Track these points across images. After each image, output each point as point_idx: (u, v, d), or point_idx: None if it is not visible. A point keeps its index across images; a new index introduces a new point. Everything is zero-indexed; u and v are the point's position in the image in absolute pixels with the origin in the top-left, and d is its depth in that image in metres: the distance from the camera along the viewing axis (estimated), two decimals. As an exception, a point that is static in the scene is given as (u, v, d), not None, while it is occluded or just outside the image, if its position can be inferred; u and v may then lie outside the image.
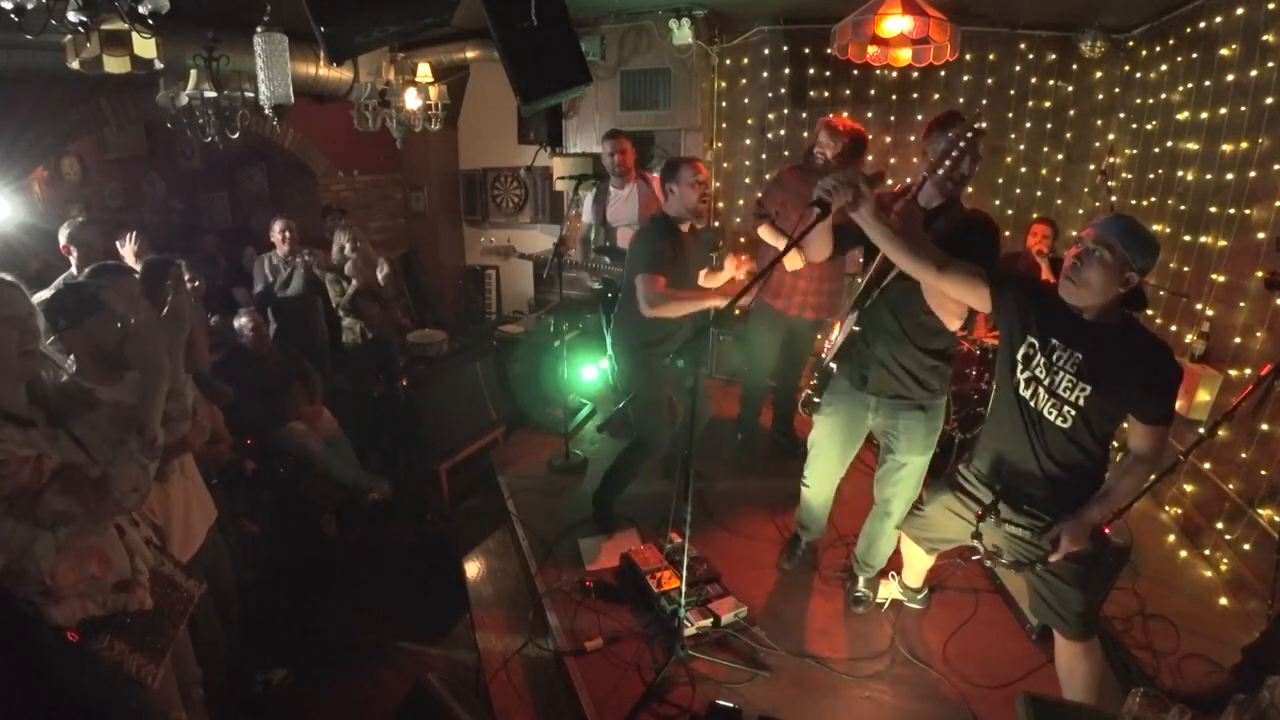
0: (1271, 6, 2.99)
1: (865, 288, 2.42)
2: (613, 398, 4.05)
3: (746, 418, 3.99)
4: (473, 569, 3.37)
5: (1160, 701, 1.41)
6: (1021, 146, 4.57)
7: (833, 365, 2.56)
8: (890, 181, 4.60)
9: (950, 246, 2.06)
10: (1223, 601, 2.86)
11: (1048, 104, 4.47)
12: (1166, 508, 3.49)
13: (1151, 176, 3.96)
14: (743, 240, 5.26)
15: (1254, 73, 3.06)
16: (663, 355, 2.93)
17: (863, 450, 2.79)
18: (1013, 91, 4.49)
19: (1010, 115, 4.54)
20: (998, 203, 4.67)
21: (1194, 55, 3.56)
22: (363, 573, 3.57)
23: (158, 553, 1.77)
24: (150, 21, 2.04)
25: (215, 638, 2.29)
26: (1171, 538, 3.30)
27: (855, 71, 4.61)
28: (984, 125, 2.14)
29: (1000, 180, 4.65)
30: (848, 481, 2.99)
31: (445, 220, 6.77)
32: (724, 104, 5.06)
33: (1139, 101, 4.17)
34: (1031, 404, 1.97)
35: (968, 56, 4.41)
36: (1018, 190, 4.62)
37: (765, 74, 4.89)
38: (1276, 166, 2.92)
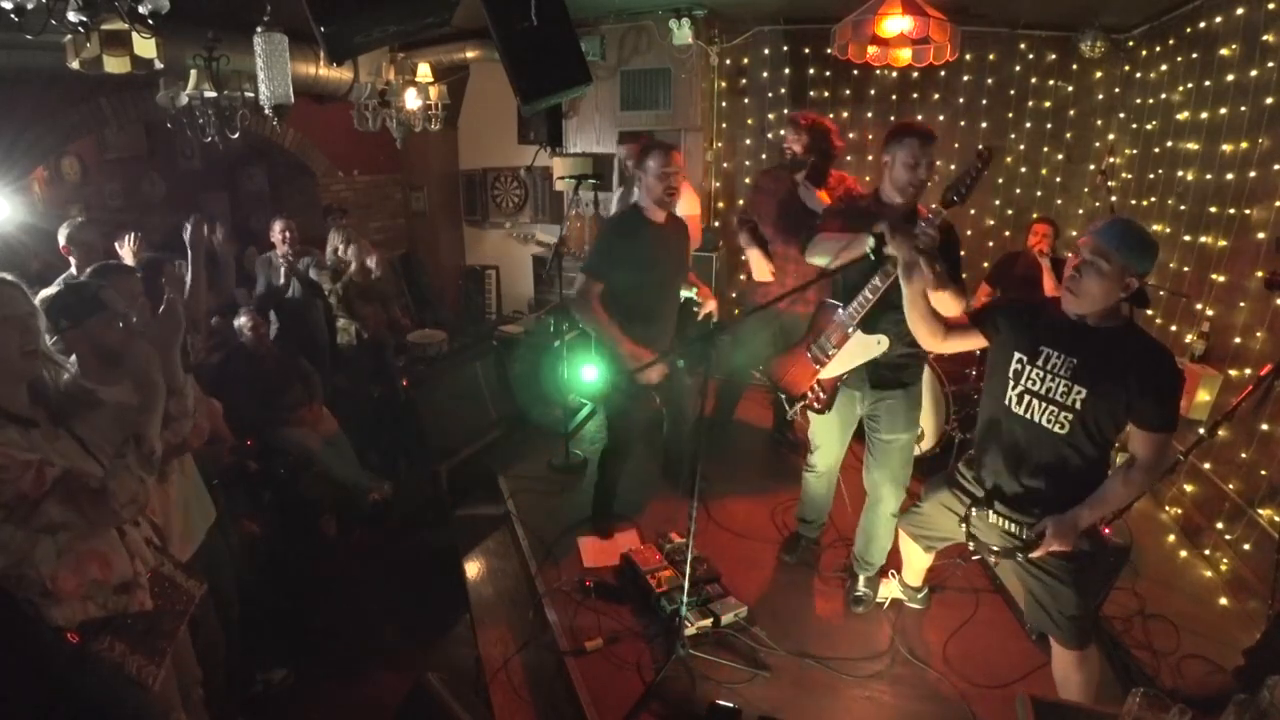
0: (1271, 6, 2.98)
1: (868, 310, 2.43)
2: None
3: (721, 413, 4.00)
4: (473, 569, 3.37)
5: (1160, 701, 1.41)
6: (1021, 146, 4.57)
7: (843, 385, 2.63)
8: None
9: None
10: (1223, 601, 2.86)
11: (1048, 104, 4.47)
12: (1166, 508, 3.49)
13: (1151, 176, 3.96)
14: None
15: (1254, 73, 3.06)
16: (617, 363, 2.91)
17: (861, 450, 2.81)
18: (1013, 91, 4.49)
19: (1010, 115, 4.54)
20: (998, 202, 4.67)
21: (1194, 55, 3.56)
22: (363, 572, 3.57)
23: (158, 553, 1.77)
24: (150, 21, 2.04)
25: (215, 638, 2.28)
26: (1171, 538, 3.30)
27: (855, 71, 4.61)
28: (989, 151, 2.24)
29: (1000, 180, 4.65)
30: (847, 481, 3.00)
31: (445, 220, 6.77)
32: (724, 104, 5.06)
33: (1139, 101, 4.17)
34: (1026, 416, 1.96)
35: (968, 56, 4.41)
36: (1018, 190, 4.62)
37: (765, 74, 4.89)
38: (1276, 166, 2.92)
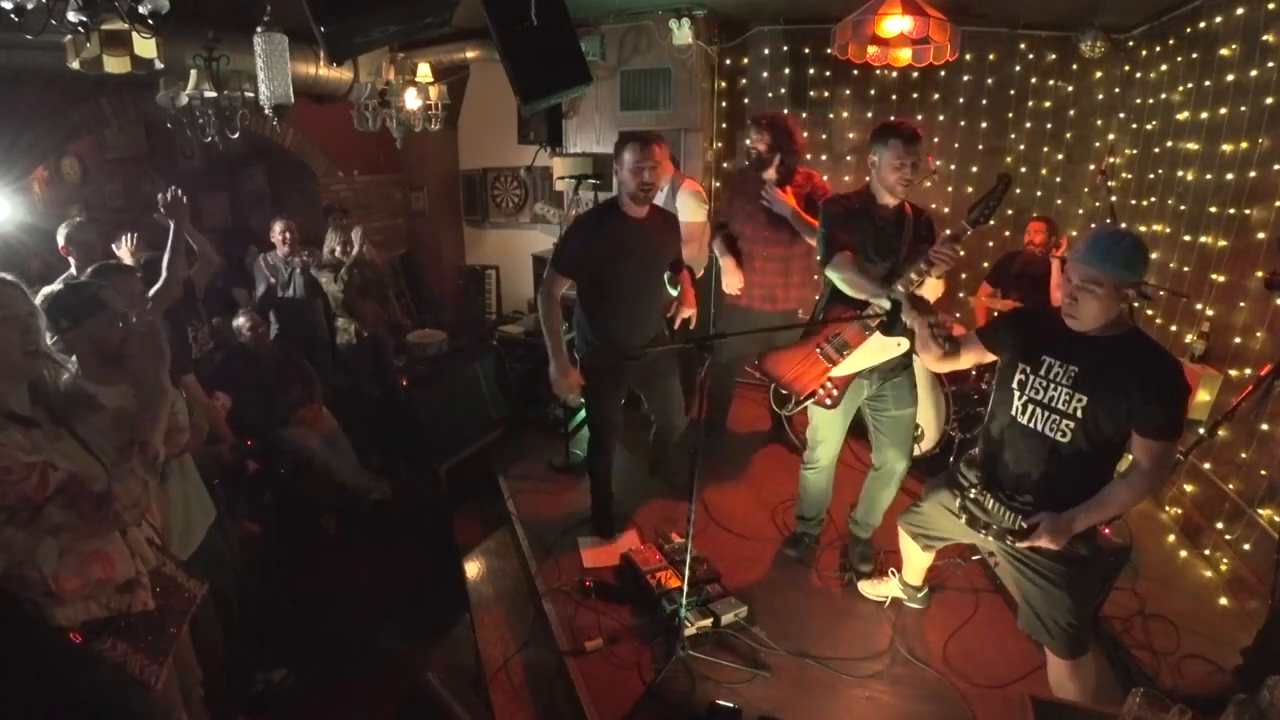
0: (1271, 6, 2.98)
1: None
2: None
3: (715, 413, 3.99)
4: (473, 569, 3.37)
5: (1160, 701, 1.41)
6: (1021, 146, 4.56)
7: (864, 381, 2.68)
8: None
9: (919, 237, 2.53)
10: (1223, 601, 2.86)
11: (1048, 104, 4.46)
12: (1166, 508, 3.49)
13: (1151, 176, 3.96)
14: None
15: (1254, 73, 3.06)
16: (610, 354, 2.92)
17: (859, 449, 2.83)
18: (1013, 91, 4.49)
19: (1010, 115, 4.53)
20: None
21: (1194, 55, 3.55)
22: (363, 572, 3.57)
23: (159, 553, 1.77)
24: (150, 21, 2.03)
25: (215, 637, 2.29)
26: (1171, 538, 3.30)
27: (855, 71, 4.60)
28: (1008, 176, 2.31)
29: (1000, 180, 4.65)
30: (847, 483, 3.00)
31: (445, 220, 6.77)
32: (724, 104, 5.05)
33: (1139, 101, 4.17)
34: (1030, 424, 1.96)
35: (968, 56, 4.40)
36: (1018, 190, 4.61)
37: (765, 74, 4.89)
38: (1276, 166, 2.92)
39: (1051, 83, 4.42)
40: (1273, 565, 2.54)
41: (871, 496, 2.90)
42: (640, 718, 2.30)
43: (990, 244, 4.67)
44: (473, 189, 6.68)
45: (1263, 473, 2.87)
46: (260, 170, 6.48)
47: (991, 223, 4.62)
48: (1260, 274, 2.90)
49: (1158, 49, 3.96)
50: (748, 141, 3.43)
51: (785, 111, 4.55)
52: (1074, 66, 4.35)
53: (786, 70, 4.83)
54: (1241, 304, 3.08)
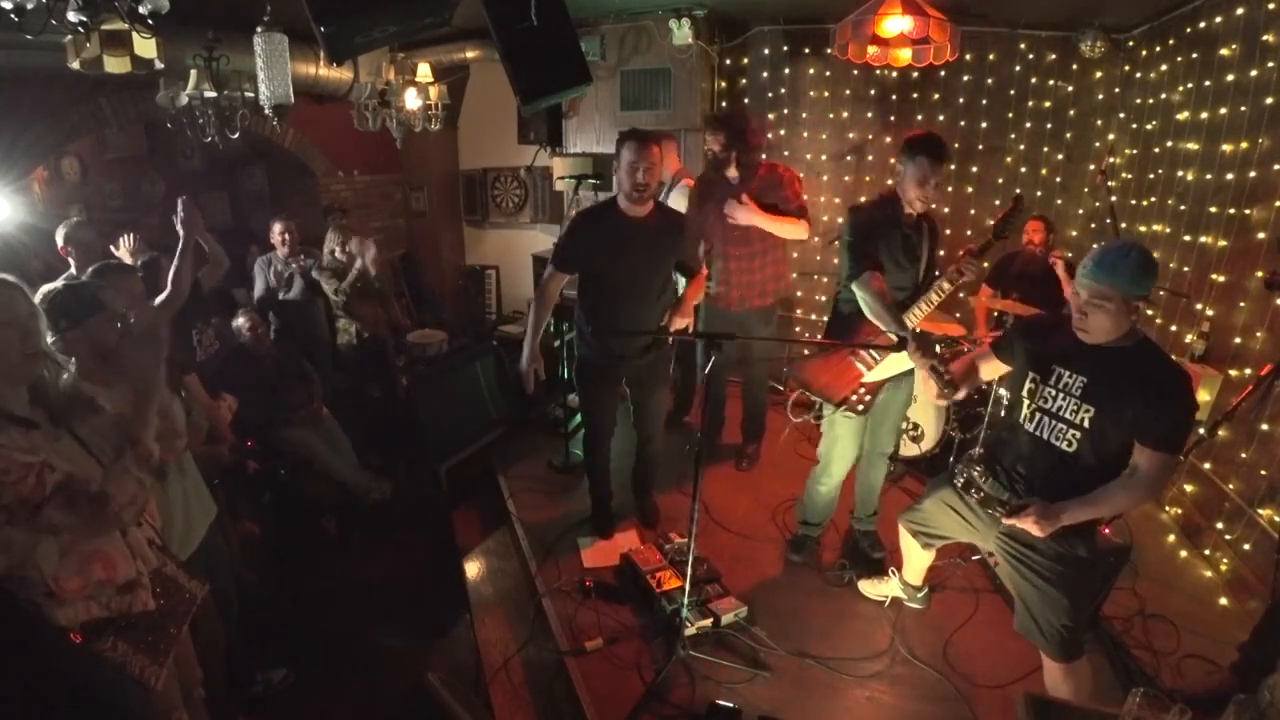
0: (1271, 6, 2.98)
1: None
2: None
3: (675, 415, 4.00)
4: (473, 569, 3.37)
5: (1160, 701, 1.41)
6: (1021, 146, 4.56)
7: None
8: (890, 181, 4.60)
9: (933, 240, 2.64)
10: (1223, 601, 2.86)
11: (1048, 104, 4.46)
12: (1166, 508, 3.49)
13: (1151, 176, 3.96)
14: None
15: (1254, 73, 3.06)
16: (600, 348, 2.93)
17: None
18: (1013, 91, 4.49)
19: (1010, 115, 4.53)
20: (998, 202, 4.67)
21: (1194, 55, 3.55)
22: (363, 572, 3.57)
23: (160, 553, 1.77)
24: (150, 21, 2.03)
25: (215, 637, 2.29)
26: (1171, 538, 3.30)
27: (855, 71, 4.61)
28: (1021, 197, 2.41)
29: (1000, 180, 4.65)
30: (846, 483, 2.99)
31: (445, 220, 6.77)
32: (724, 104, 5.06)
33: (1139, 101, 4.17)
34: (1036, 433, 1.98)
35: (968, 56, 4.40)
36: (1018, 190, 4.61)
37: (765, 74, 4.89)
38: (1276, 166, 2.92)
39: (1051, 83, 4.42)
40: (1273, 565, 2.54)
41: (864, 483, 2.98)
42: (640, 718, 2.30)
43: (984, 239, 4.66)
44: (473, 189, 6.68)
45: (1263, 473, 2.87)
46: (260, 170, 6.47)
47: (972, 211, 4.69)
48: (1260, 274, 2.90)
49: (1158, 49, 3.96)
50: (704, 144, 3.43)
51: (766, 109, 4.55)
52: (1074, 66, 4.35)
53: (786, 70, 4.83)
54: (1241, 304, 3.08)
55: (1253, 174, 3.03)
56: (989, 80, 4.51)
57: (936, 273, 2.73)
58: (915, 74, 4.47)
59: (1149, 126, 4.01)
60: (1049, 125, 4.49)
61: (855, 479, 3.02)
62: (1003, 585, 2.88)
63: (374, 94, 4.71)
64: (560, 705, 2.50)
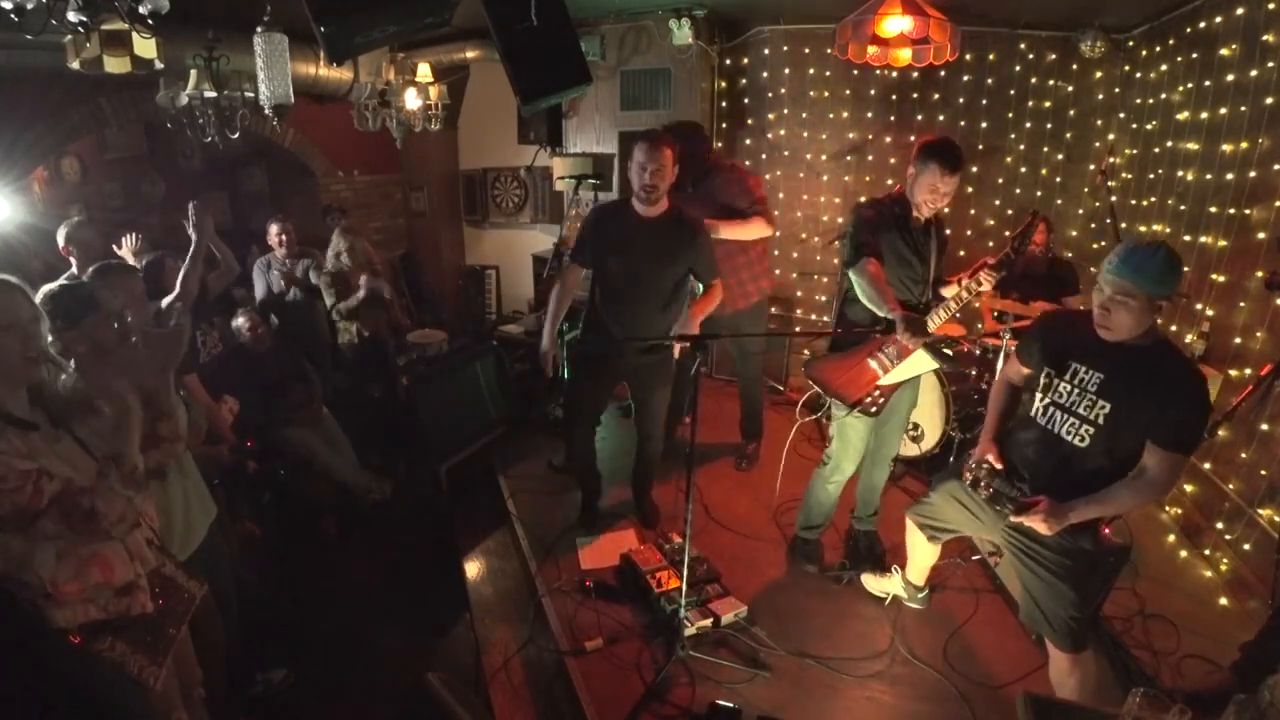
0: (1271, 6, 2.98)
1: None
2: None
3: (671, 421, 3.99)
4: (473, 569, 3.37)
5: (1160, 701, 1.41)
6: (1021, 146, 4.56)
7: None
8: (892, 181, 4.60)
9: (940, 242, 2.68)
10: (1223, 601, 2.86)
11: (1048, 104, 4.46)
12: (1166, 508, 3.49)
13: (1151, 176, 3.96)
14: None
15: (1254, 73, 3.06)
16: (596, 344, 2.96)
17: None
18: (1013, 91, 4.49)
19: (1010, 115, 4.53)
20: (998, 202, 4.67)
21: (1194, 55, 3.55)
22: (363, 572, 3.57)
23: (158, 553, 1.77)
24: (150, 21, 2.03)
25: (215, 637, 2.28)
26: (1171, 538, 3.30)
27: (855, 71, 4.61)
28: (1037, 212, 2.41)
29: (1000, 180, 4.65)
30: (847, 483, 3.00)
31: (445, 220, 6.77)
32: (724, 104, 5.06)
33: (1139, 101, 4.17)
34: (1049, 427, 1.98)
35: (968, 56, 4.40)
36: (1018, 190, 4.62)
37: (765, 74, 4.89)
38: (1276, 166, 2.92)
39: (1051, 83, 4.42)
40: (1273, 565, 2.54)
41: (866, 483, 2.98)
42: (640, 718, 2.30)
43: (990, 244, 4.67)
44: (473, 189, 6.68)
45: (1263, 473, 2.87)
46: (260, 170, 6.47)
47: (972, 211, 4.70)
48: (1260, 274, 2.90)
49: (1158, 49, 3.96)
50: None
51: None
52: (1074, 66, 4.35)
53: (786, 70, 4.83)
54: (1241, 304, 3.08)
55: (1253, 174, 3.03)
56: (989, 80, 4.51)
57: (944, 277, 2.73)
58: (915, 74, 4.47)
59: (1149, 126, 4.01)
60: (1049, 125, 4.49)
61: (857, 479, 3.02)
62: (1003, 585, 2.89)
63: (374, 94, 4.71)
64: (560, 705, 2.50)
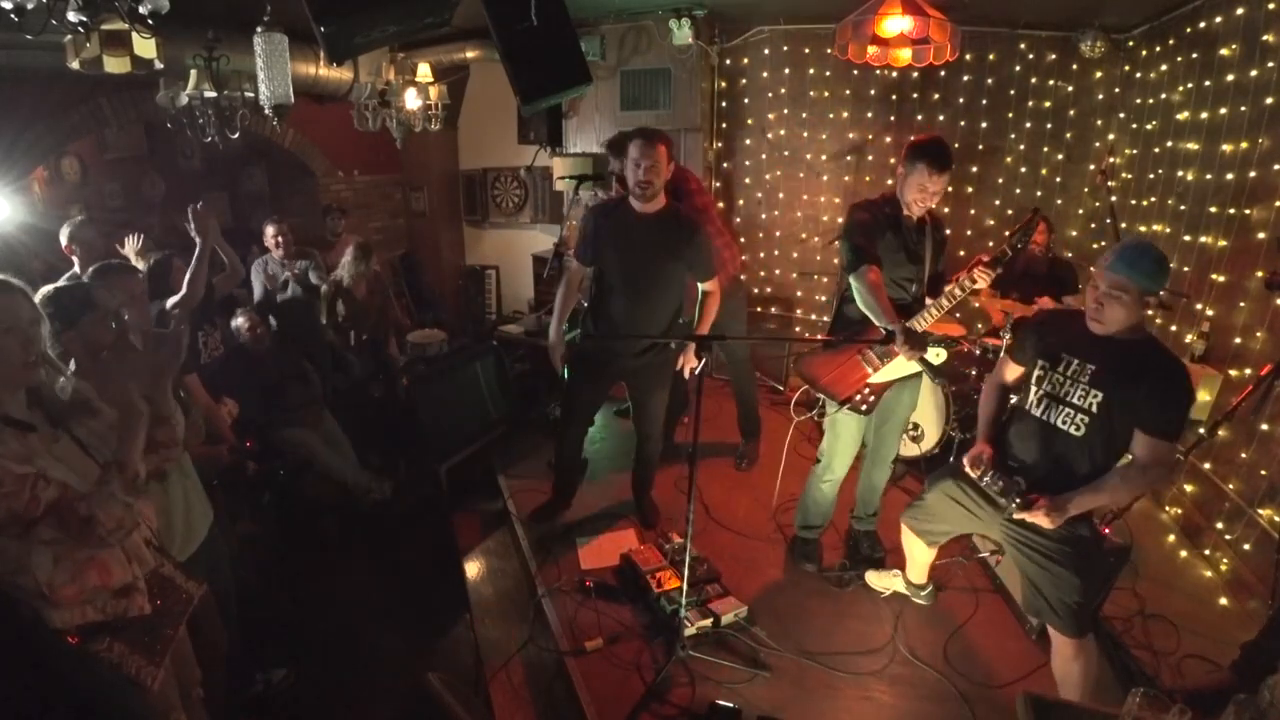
0: (1271, 6, 2.98)
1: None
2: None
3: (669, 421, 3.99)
4: (473, 569, 3.37)
5: (1160, 701, 1.41)
6: (1021, 146, 4.56)
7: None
8: (891, 181, 4.60)
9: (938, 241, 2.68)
10: (1223, 601, 2.86)
11: (1048, 104, 4.46)
12: (1166, 508, 3.49)
13: (1151, 176, 3.96)
14: (742, 240, 5.26)
15: (1254, 73, 3.06)
16: (594, 340, 2.99)
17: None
18: (1013, 91, 4.49)
19: (1010, 115, 4.53)
20: (998, 202, 4.67)
21: (1194, 55, 3.55)
22: (362, 573, 3.57)
23: (157, 553, 1.77)
24: (150, 21, 2.03)
25: (215, 637, 2.28)
26: (1171, 538, 3.30)
27: (855, 71, 4.61)
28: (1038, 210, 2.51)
29: (1000, 180, 4.65)
30: (845, 485, 2.99)
31: (445, 220, 6.77)
32: (724, 104, 5.06)
33: (1139, 101, 4.17)
34: (1044, 418, 2.05)
35: (968, 56, 4.40)
36: (1018, 190, 4.62)
37: (765, 74, 4.89)
38: (1276, 166, 2.92)
39: (1051, 83, 4.42)
40: (1273, 565, 2.54)
41: (867, 484, 2.98)
42: (640, 718, 2.30)
43: (990, 244, 4.67)
44: (473, 189, 6.68)
45: (1263, 473, 2.87)
46: (260, 170, 6.47)
47: (972, 211, 4.70)
48: (1260, 274, 2.90)
49: (1158, 49, 3.96)
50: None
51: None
52: (1074, 66, 4.35)
53: (786, 70, 4.83)
54: (1241, 304, 3.08)
55: (1253, 174, 3.03)
56: (989, 80, 4.51)
57: (943, 271, 2.74)
58: (915, 74, 4.47)
59: (1149, 126, 4.01)
60: (1049, 125, 4.49)
61: (858, 479, 3.02)
62: (1003, 585, 2.89)
63: (374, 94, 4.71)
64: (560, 705, 2.50)
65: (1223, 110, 3.27)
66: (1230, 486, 3.04)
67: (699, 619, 2.62)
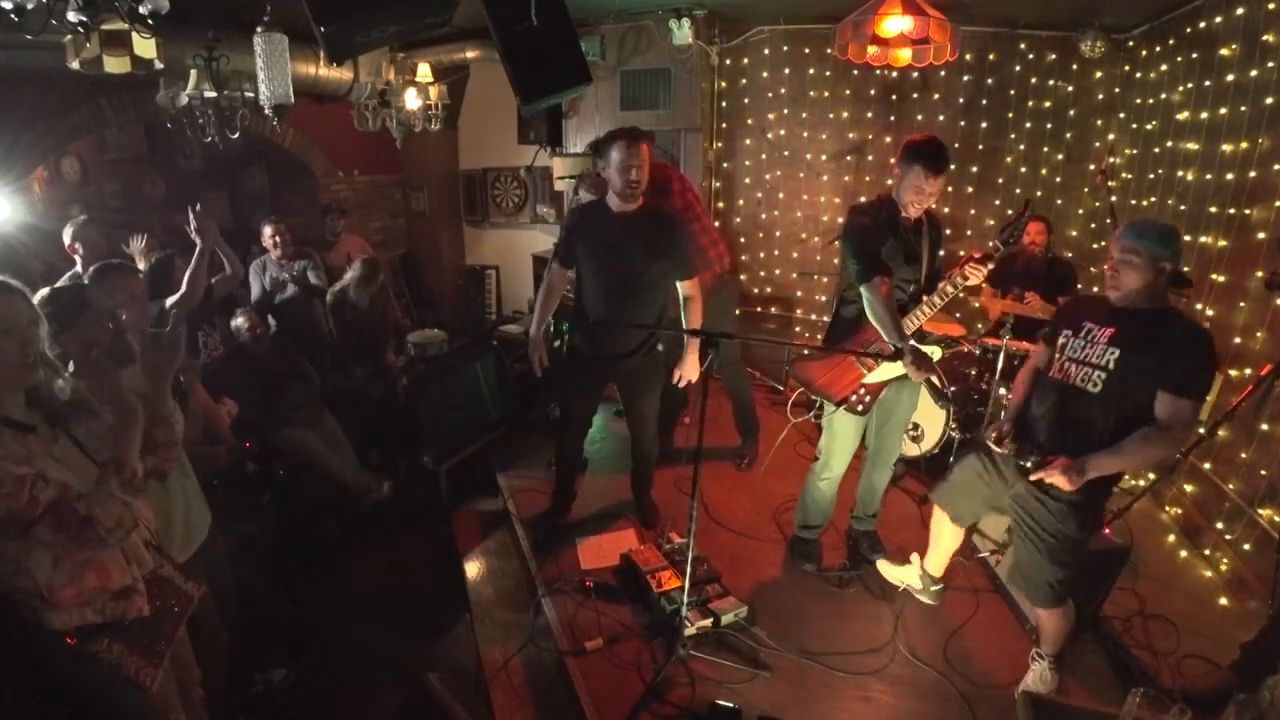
0: (1271, 6, 2.98)
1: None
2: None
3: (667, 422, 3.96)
4: (473, 569, 3.37)
5: (1160, 701, 1.41)
6: (1021, 146, 4.56)
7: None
8: (890, 181, 4.60)
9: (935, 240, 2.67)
10: (1223, 601, 2.86)
11: (1048, 104, 4.47)
12: (1166, 508, 3.50)
13: (1151, 176, 3.96)
14: (742, 240, 5.26)
15: (1254, 73, 3.06)
16: (588, 343, 2.97)
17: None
18: (1013, 91, 4.49)
19: (1010, 115, 4.53)
20: (998, 202, 4.67)
21: (1194, 55, 3.55)
22: (362, 573, 3.57)
23: (156, 554, 1.76)
24: (150, 21, 2.03)
25: (215, 638, 2.28)
26: (1171, 538, 3.30)
27: (855, 71, 4.61)
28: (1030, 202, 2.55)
29: (1000, 180, 4.65)
30: (844, 485, 3.00)
31: (445, 220, 6.77)
32: (724, 104, 5.06)
33: (1139, 101, 4.17)
34: (1063, 380, 2.15)
35: (968, 56, 4.40)
36: (1018, 190, 4.62)
37: (765, 74, 4.89)
38: (1276, 166, 2.92)
39: (1051, 83, 4.42)
40: (1273, 565, 2.54)
41: (867, 484, 2.98)
42: (640, 718, 2.30)
43: (990, 244, 4.67)
44: (473, 189, 6.68)
45: (1263, 473, 2.87)
46: (260, 170, 6.47)
47: (972, 211, 4.70)
48: (1260, 274, 2.90)
49: (1158, 49, 3.96)
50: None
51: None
52: (1074, 66, 4.35)
53: (786, 70, 4.83)
54: (1241, 304, 3.08)
55: (1253, 174, 3.03)
56: (989, 80, 4.51)
57: (939, 268, 2.74)
58: (915, 74, 4.47)
59: (1149, 126, 4.01)
60: (1049, 125, 4.49)
61: (858, 479, 3.02)
62: (1003, 585, 2.89)
63: (374, 94, 4.71)
64: (560, 705, 2.50)
65: (1223, 110, 3.27)
66: (1230, 486, 3.04)
67: (699, 619, 2.62)
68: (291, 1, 2.30)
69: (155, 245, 3.51)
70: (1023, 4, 4.06)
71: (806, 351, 2.97)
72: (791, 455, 3.95)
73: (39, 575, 1.43)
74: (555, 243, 3.02)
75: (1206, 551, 3.12)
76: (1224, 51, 3.28)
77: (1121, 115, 4.34)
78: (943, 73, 4.49)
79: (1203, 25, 3.46)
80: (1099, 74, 4.35)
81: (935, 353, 2.66)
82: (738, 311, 4.04)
